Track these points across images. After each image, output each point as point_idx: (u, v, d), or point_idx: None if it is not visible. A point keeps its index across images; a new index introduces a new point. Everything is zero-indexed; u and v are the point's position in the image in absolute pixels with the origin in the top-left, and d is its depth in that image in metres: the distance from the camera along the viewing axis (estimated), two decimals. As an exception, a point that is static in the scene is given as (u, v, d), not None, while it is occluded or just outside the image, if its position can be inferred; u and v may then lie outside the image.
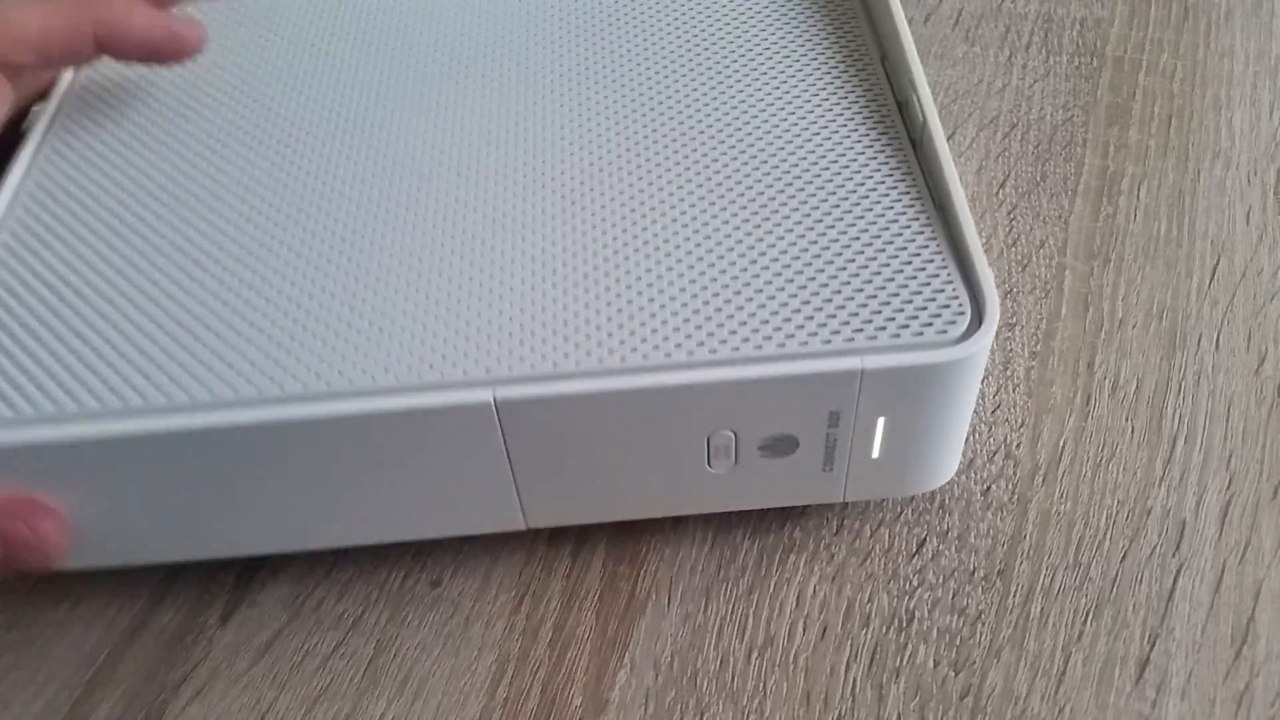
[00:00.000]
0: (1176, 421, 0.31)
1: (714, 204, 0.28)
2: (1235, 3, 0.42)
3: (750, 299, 0.26)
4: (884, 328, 0.25)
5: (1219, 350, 0.32)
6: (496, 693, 0.28)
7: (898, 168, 0.29)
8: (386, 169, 0.30)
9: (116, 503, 0.27)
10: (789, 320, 0.25)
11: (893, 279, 0.26)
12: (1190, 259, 0.35)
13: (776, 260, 0.27)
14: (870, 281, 0.26)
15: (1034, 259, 0.35)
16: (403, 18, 0.35)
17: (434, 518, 0.28)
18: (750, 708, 0.27)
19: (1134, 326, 0.33)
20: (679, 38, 0.34)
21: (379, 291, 0.27)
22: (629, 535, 0.30)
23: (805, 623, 0.28)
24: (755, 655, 0.28)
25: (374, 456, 0.26)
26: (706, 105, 0.31)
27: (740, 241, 0.27)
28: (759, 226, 0.27)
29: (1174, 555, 0.28)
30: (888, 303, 0.25)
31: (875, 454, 0.27)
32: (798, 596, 0.29)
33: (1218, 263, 0.34)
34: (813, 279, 0.26)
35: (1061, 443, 0.31)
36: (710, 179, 0.29)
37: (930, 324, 0.25)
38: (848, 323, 0.25)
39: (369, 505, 0.27)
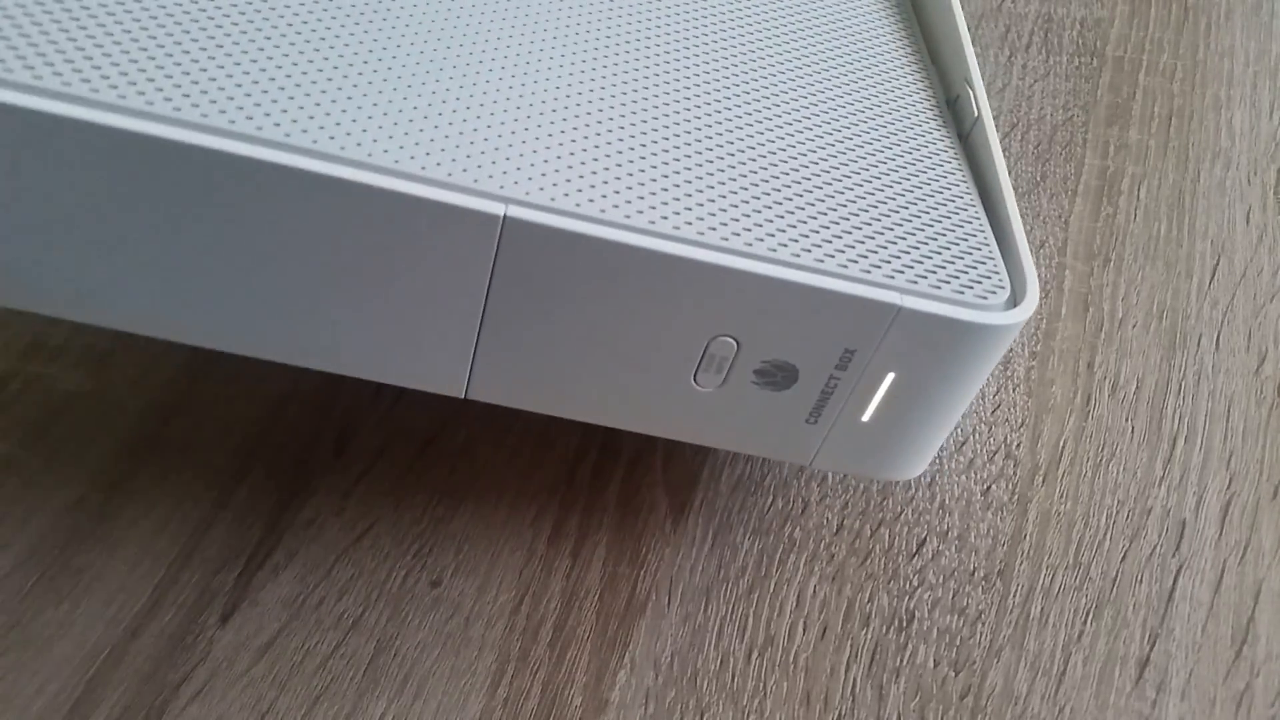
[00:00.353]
0: (1177, 421, 0.31)
1: (777, 116, 0.27)
2: (1235, 3, 0.42)
3: (800, 208, 0.25)
4: (925, 276, 0.24)
5: (1219, 350, 0.32)
6: (496, 693, 0.28)
7: (947, 152, 0.28)
8: None
9: (36, 218, 0.22)
10: (834, 239, 0.24)
11: (939, 237, 0.25)
12: (1190, 259, 0.35)
13: (830, 184, 0.26)
14: (919, 232, 0.25)
15: (1034, 259, 0.35)
16: None
17: (369, 347, 0.24)
18: (750, 708, 0.27)
19: (1134, 326, 0.33)
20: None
21: (405, 66, 0.24)
22: (629, 535, 0.30)
23: (805, 623, 0.28)
24: (755, 655, 0.28)
25: (337, 242, 0.22)
26: (777, 39, 0.31)
27: (799, 155, 0.26)
28: (816, 149, 0.27)
29: (1174, 555, 0.28)
30: (931, 256, 0.25)
31: (866, 416, 0.26)
32: (798, 596, 0.29)
33: (1218, 263, 0.34)
34: (865, 210, 0.25)
35: (1061, 443, 0.31)
36: (778, 93, 0.28)
37: (971, 287, 0.24)
38: (890, 261, 0.24)
39: (306, 304, 0.23)
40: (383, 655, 0.29)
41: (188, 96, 0.21)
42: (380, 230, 0.21)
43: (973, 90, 0.29)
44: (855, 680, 0.27)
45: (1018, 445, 0.31)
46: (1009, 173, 0.38)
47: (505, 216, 0.21)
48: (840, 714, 0.27)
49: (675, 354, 0.24)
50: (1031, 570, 0.29)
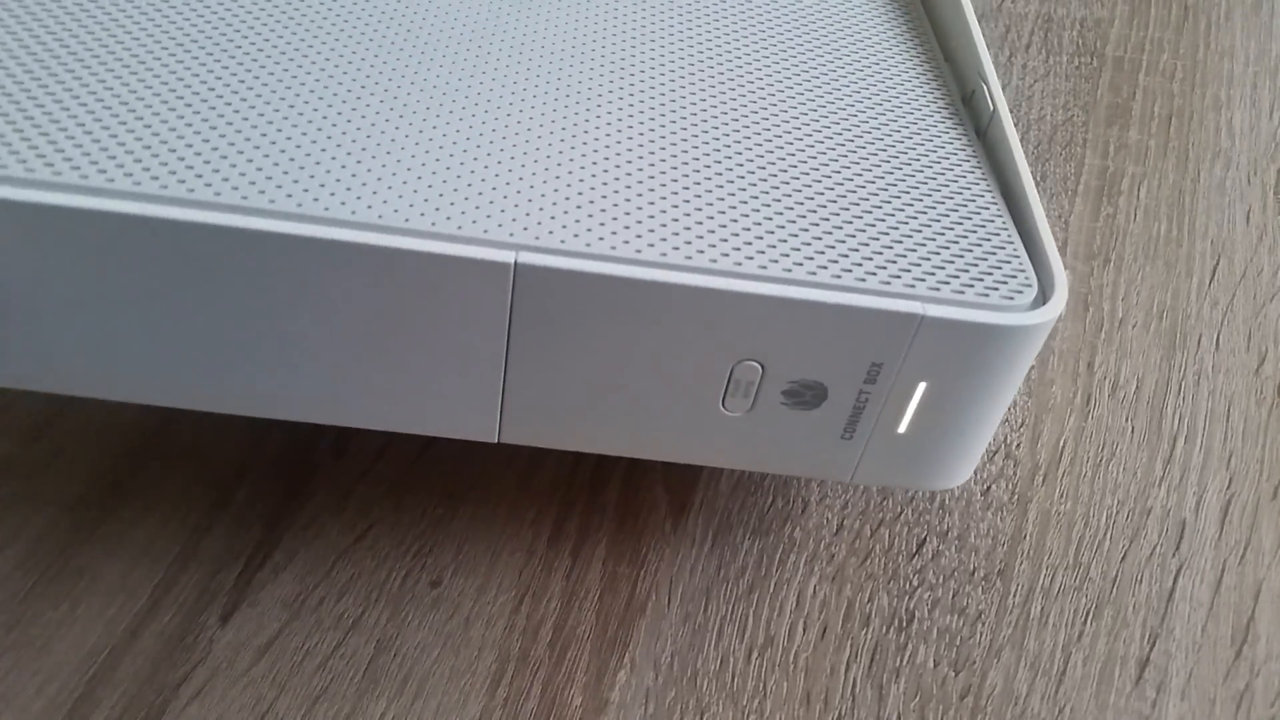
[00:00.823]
0: (1176, 421, 0.31)
1: (784, 132, 0.27)
2: (1235, 3, 0.42)
3: (814, 223, 0.24)
4: (948, 282, 0.23)
5: (1219, 350, 0.32)
6: (496, 693, 0.28)
7: (964, 150, 0.28)
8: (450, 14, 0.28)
9: (54, 298, 0.23)
10: (850, 253, 0.23)
11: (960, 240, 0.25)
12: (1190, 259, 0.35)
13: (843, 196, 0.25)
14: (938, 237, 0.25)
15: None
16: None
17: (398, 401, 0.24)
18: (750, 708, 0.27)
19: (1134, 326, 0.33)
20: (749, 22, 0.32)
21: (410, 124, 0.24)
22: (629, 535, 0.31)
23: (805, 623, 0.28)
24: (755, 655, 0.28)
25: (356, 305, 0.22)
26: (780, 50, 0.30)
27: (809, 170, 0.26)
28: (827, 162, 0.26)
29: (1174, 555, 0.28)
30: (953, 260, 0.24)
31: (902, 428, 0.25)
32: (798, 596, 0.29)
33: (1218, 263, 0.34)
34: (881, 220, 0.25)
35: (1061, 443, 0.31)
36: (782, 107, 0.27)
37: (996, 289, 0.23)
38: (909, 270, 0.23)
39: (331, 366, 0.23)
40: (383, 655, 0.29)
41: (200, 176, 0.21)
42: (397, 288, 0.22)
43: (987, 85, 0.29)
44: (855, 680, 0.27)
45: (1017, 445, 0.31)
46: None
47: (516, 263, 0.21)
48: (840, 714, 0.27)
49: (700, 382, 0.24)
50: (1031, 570, 0.29)
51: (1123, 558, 0.29)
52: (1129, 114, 0.39)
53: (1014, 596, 0.28)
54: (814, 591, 0.29)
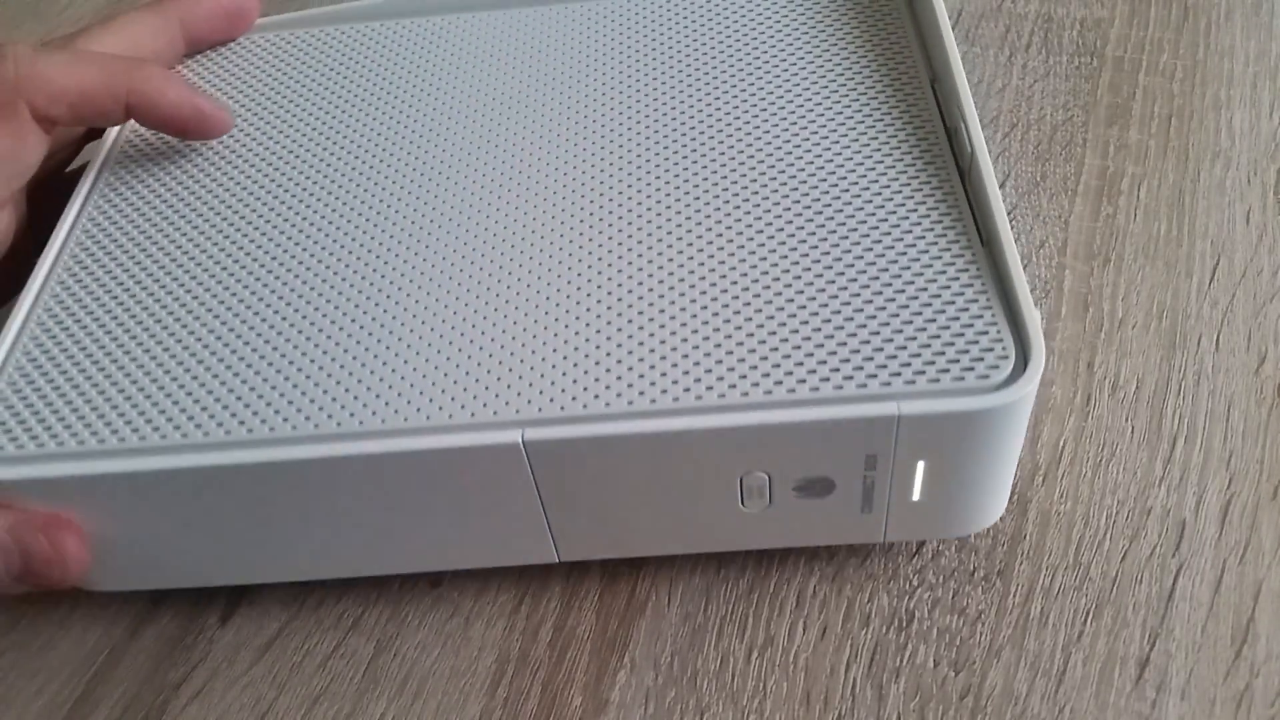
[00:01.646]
0: (1176, 421, 0.31)
1: (747, 244, 0.27)
2: (1235, 3, 0.42)
3: (785, 339, 0.25)
4: (923, 371, 0.24)
5: (1219, 350, 0.32)
6: (496, 693, 0.28)
7: (944, 200, 0.28)
8: (420, 211, 0.30)
9: (144, 532, 0.27)
10: (824, 362, 0.25)
11: (934, 319, 0.25)
12: (1190, 259, 0.35)
13: (812, 300, 0.26)
14: (910, 322, 0.25)
15: (1034, 259, 0.35)
16: (441, 62, 0.35)
17: (466, 551, 0.28)
18: (750, 707, 0.27)
19: (1134, 326, 0.33)
20: (723, 64, 0.33)
21: (412, 332, 0.27)
22: (629, 535, 0.30)
23: (805, 623, 0.28)
24: (755, 655, 0.28)
25: (408, 493, 0.26)
26: (747, 138, 0.30)
27: (774, 280, 0.26)
28: (795, 264, 0.27)
29: (1174, 555, 0.28)
30: (928, 344, 0.24)
31: (916, 497, 0.26)
32: (798, 596, 0.29)
33: (1218, 263, 0.34)
34: (850, 319, 0.25)
35: (1061, 443, 0.31)
36: (744, 218, 0.28)
37: (971, 368, 0.24)
38: (885, 365, 0.24)
39: (402, 539, 0.28)
40: (383, 655, 0.29)
41: (257, 414, 0.25)
42: (437, 473, 0.25)
43: (966, 125, 0.28)
44: (855, 680, 0.27)
45: (1018, 445, 0.31)
46: (1010, 178, 0.38)
47: (524, 440, 0.24)
48: (840, 714, 0.27)
49: (715, 495, 0.26)
50: (1031, 570, 0.29)
51: (1123, 558, 0.29)
52: (1129, 114, 0.39)
53: (1014, 596, 0.28)
54: (814, 591, 0.29)
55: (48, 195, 0.32)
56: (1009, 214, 0.36)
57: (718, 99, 0.32)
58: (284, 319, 0.28)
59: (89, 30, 0.32)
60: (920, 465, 0.25)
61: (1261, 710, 0.26)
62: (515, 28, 0.36)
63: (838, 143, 0.30)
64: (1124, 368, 0.32)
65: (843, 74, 0.32)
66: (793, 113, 0.31)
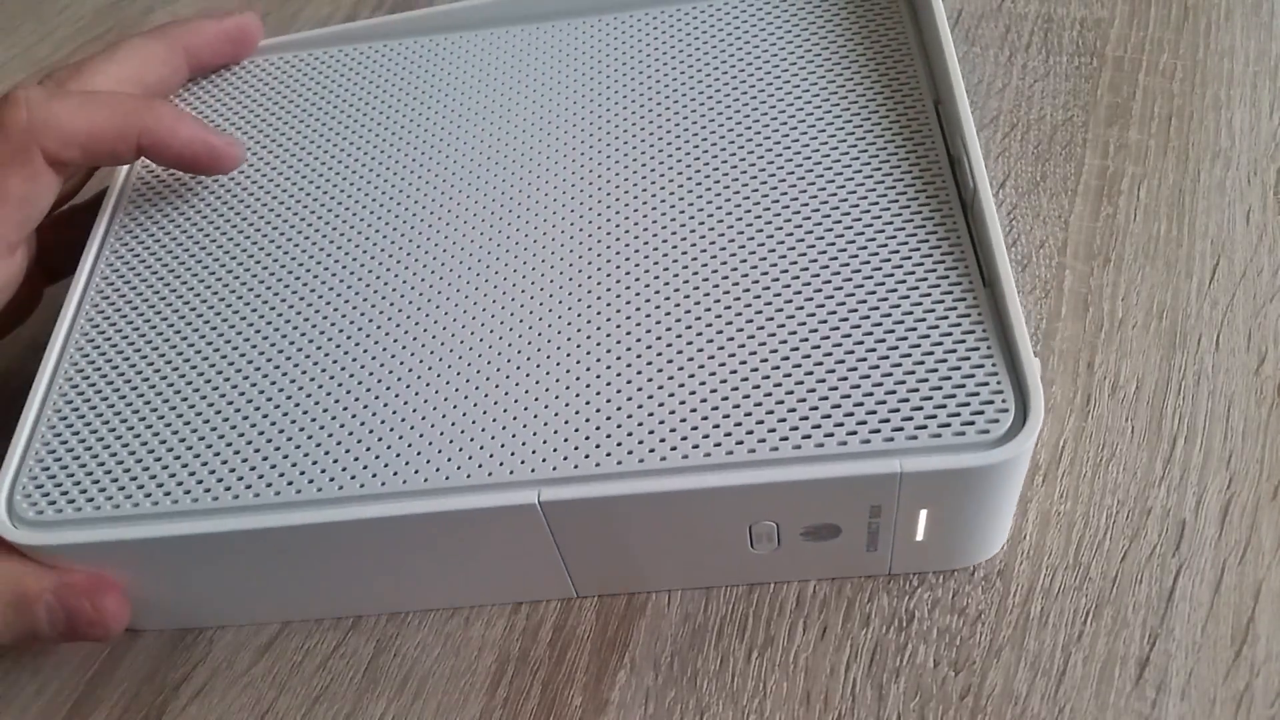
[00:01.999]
0: (1176, 421, 0.31)
1: (751, 301, 0.28)
2: (1235, 3, 0.42)
3: (790, 393, 0.26)
4: (924, 426, 0.24)
5: (1219, 350, 0.32)
6: (496, 693, 0.28)
7: (946, 237, 0.28)
8: (432, 270, 0.30)
9: (174, 584, 0.28)
10: (827, 417, 0.25)
11: (935, 369, 0.25)
12: (1190, 259, 0.35)
13: (815, 356, 0.26)
14: (912, 372, 0.25)
15: (1034, 259, 0.35)
16: (441, 82, 0.35)
17: (487, 592, 0.29)
18: (750, 708, 0.27)
19: (1134, 326, 0.33)
20: (720, 93, 0.33)
21: (434, 392, 0.27)
22: (629, 535, 0.30)
23: (805, 623, 0.28)
24: (755, 655, 0.28)
25: (430, 549, 0.27)
26: (751, 183, 0.30)
27: (780, 340, 0.27)
28: (801, 324, 0.27)
29: (1174, 555, 0.28)
30: (929, 397, 0.25)
31: (919, 538, 0.27)
32: (798, 596, 0.29)
33: (1218, 263, 0.34)
34: (853, 369, 0.26)
35: (1061, 443, 0.31)
36: (749, 274, 0.28)
37: (972, 422, 0.24)
38: (887, 420, 0.25)
39: (427, 584, 0.29)
40: (383, 655, 0.29)
41: (283, 476, 0.26)
42: (460, 531, 0.26)
43: (968, 158, 0.28)
44: (855, 680, 0.27)
45: (1018, 445, 0.31)
46: (1010, 178, 0.38)
47: (540, 501, 0.25)
48: (840, 714, 0.27)
49: (726, 541, 0.27)
50: (1031, 570, 0.29)
51: (1123, 558, 0.29)
52: (1129, 114, 0.39)
53: (1014, 596, 0.28)
54: (814, 591, 0.29)
55: (54, 223, 0.32)
56: (1009, 214, 0.36)
57: (718, 137, 0.31)
58: (304, 385, 0.28)
59: (93, 62, 0.32)
60: (923, 513, 0.26)
61: (1262, 710, 0.26)
62: (513, 45, 0.36)
63: (838, 176, 0.30)
64: (1124, 368, 0.32)
65: (845, 99, 0.32)
66: (793, 146, 0.31)
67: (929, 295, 0.27)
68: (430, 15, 0.37)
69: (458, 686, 0.28)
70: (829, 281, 0.28)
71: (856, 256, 0.28)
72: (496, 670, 0.29)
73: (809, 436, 0.25)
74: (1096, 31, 0.42)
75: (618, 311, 0.28)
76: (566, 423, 0.26)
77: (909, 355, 0.26)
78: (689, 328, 0.27)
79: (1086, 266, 0.35)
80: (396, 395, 0.28)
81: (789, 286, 0.28)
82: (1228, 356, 0.32)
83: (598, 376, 0.27)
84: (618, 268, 0.29)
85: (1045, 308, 0.34)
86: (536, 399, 0.27)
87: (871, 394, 0.25)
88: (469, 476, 0.26)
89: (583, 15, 0.36)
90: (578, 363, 0.27)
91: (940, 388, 0.25)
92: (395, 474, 0.26)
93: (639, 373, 0.27)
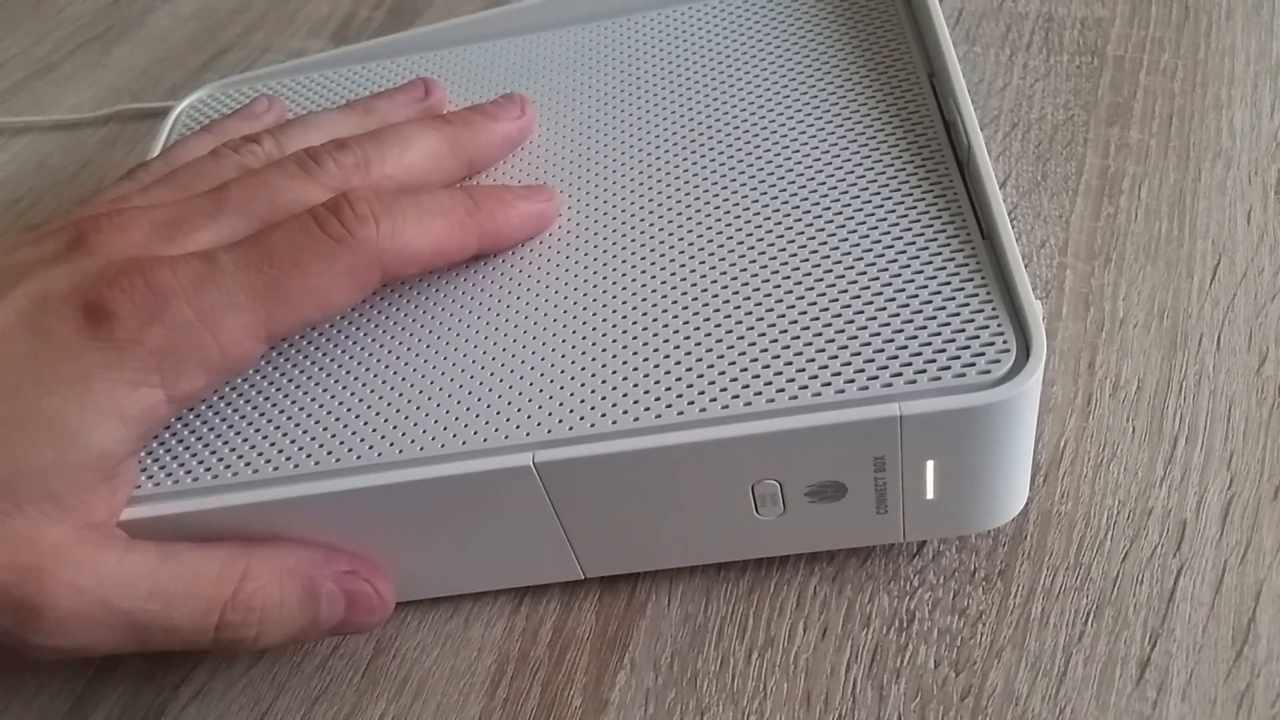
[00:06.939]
0: (1177, 421, 0.31)
1: (743, 250, 0.28)
2: (1236, 2, 0.42)
3: (787, 346, 0.25)
4: (924, 370, 0.24)
5: (1220, 350, 0.32)
6: (496, 693, 0.28)
7: (943, 194, 0.28)
8: None
9: None
10: (825, 367, 0.25)
11: (934, 316, 0.25)
12: (1191, 259, 0.34)
13: (812, 304, 0.26)
14: (910, 320, 0.25)
15: (1034, 258, 0.35)
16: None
17: (492, 573, 0.29)
18: (750, 708, 0.27)
19: (1135, 326, 0.33)
20: (716, 68, 0.33)
21: (417, 364, 0.27)
22: (629, 535, 0.30)
23: (805, 623, 0.28)
24: (755, 656, 0.28)
25: (430, 521, 0.27)
26: (743, 146, 0.30)
27: (773, 285, 0.27)
28: (795, 269, 0.27)
29: (1175, 555, 0.28)
30: (928, 343, 0.24)
31: (930, 495, 0.26)
32: (798, 597, 0.29)
33: (1218, 263, 0.34)
34: (850, 321, 0.25)
35: (1062, 443, 0.31)
36: (741, 225, 0.28)
37: (972, 364, 0.24)
38: (885, 366, 0.24)
39: (430, 566, 0.28)
40: (382, 655, 0.29)
41: (301, 449, 0.26)
42: (457, 499, 0.26)
43: (962, 119, 0.28)
44: (855, 681, 0.27)
45: (1018, 445, 0.31)
46: (1011, 178, 0.38)
47: (535, 463, 0.25)
48: (840, 714, 0.27)
49: (728, 505, 0.26)
50: (1032, 570, 0.29)
51: (1123, 558, 0.28)
52: (1130, 113, 0.39)
53: (1014, 597, 0.28)
54: (814, 592, 0.29)
55: None
56: (1010, 214, 0.36)
57: (713, 103, 0.32)
58: (296, 362, 0.28)
59: (383, 148, 0.29)
60: (930, 464, 0.25)
61: (1262, 711, 0.26)
62: (514, 53, 0.36)
63: (836, 143, 0.30)
64: (1125, 368, 0.32)
65: (839, 71, 0.32)
66: (788, 113, 0.31)
67: (926, 249, 0.26)
68: (416, 36, 0.38)
69: (457, 687, 0.28)
70: (827, 239, 0.27)
71: (853, 218, 0.28)
72: (496, 671, 0.29)
73: (806, 387, 0.24)
74: (1097, 31, 0.42)
75: (604, 266, 0.28)
76: (561, 387, 0.26)
77: (907, 305, 0.25)
78: (683, 280, 0.27)
79: (1087, 266, 0.35)
80: (387, 366, 0.27)
81: (784, 239, 0.28)
82: (1229, 356, 0.32)
83: (584, 338, 0.27)
84: (606, 226, 0.29)
85: (1046, 307, 0.34)
86: (526, 363, 0.27)
87: (869, 343, 0.25)
88: (464, 443, 0.25)
89: (580, 24, 0.37)
90: (565, 326, 0.27)
91: (939, 333, 0.25)
92: (391, 444, 0.26)
93: (628, 331, 0.27)
